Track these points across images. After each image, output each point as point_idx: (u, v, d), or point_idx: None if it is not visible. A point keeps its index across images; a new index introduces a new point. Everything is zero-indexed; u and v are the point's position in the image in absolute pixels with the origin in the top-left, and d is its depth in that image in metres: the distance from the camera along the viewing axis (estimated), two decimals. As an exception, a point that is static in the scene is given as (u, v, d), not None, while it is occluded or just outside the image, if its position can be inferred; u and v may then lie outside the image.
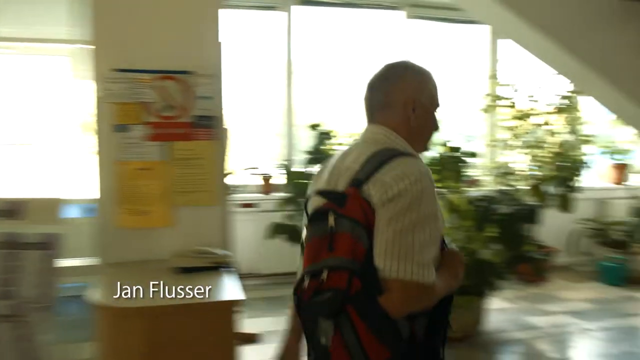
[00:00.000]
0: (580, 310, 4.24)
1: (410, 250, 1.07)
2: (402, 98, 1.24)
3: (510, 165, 4.94)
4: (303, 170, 4.05)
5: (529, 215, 3.23)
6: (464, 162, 3.81)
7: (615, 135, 5.92)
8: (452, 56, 5.53)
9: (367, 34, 5.33)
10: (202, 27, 2.29)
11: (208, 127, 2.23)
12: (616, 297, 4.63)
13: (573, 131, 5.01)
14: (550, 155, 4.90)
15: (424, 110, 1.26)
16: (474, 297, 3.55)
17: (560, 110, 4.93)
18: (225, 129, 2.41)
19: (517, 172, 4.82)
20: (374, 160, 1.15)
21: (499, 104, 5.03)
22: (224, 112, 2.31)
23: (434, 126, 1.31)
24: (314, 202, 1.21)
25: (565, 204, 4.08)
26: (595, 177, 5.81)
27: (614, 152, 5.87)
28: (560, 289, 4.82)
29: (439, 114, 1.32)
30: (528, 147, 4.97)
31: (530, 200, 3.79)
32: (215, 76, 2.26)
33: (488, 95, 5.11)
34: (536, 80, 5.06)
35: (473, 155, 3.99)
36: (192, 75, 2.22)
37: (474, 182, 5.30)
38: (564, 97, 4.90)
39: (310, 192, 1.29)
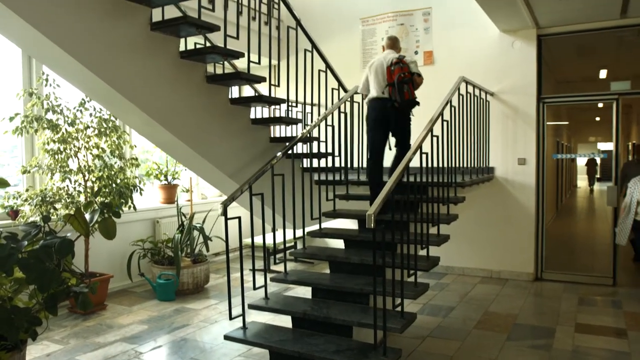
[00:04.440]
0: (135, 334, 4.22)
1: (418, 69, 4.26)
2: (399, 46, 4.63)
3: (53, 192, 4.52)
4: None
5: (61, 247, 2.92)
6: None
7: (163, 157, 6.29)
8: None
9: None
10: None
11: None
12: (168, 312, 4.84)
13: (120, 155, 5.00)
14: (97, 179, 4.74)
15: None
16: (3, 352, 2.99)
17: (104, 133, 4.84)
18: None
19: (60, 200, 4.44)
20: (402, 55, 4.31)
21: (39, 125, 4.54)
22: None
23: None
24: (389, 61, 4.21)
25: (107, 230, 3.97)
26: (147, 198, 6.01)
27: (162, 173, 6.21)
28: (117, 316, 4.70)
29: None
30: (72, 172, 4.67)
31: (69, 230, 3.49)
32: None
33: (25, 115, 4.55)
34: (79, 101, 4.82)
35: (4, 183, 3.42)
36: None
37: (16, 214, 4.64)
38: (105, 120, 4.83)
39: (379, 60, 4.36)
